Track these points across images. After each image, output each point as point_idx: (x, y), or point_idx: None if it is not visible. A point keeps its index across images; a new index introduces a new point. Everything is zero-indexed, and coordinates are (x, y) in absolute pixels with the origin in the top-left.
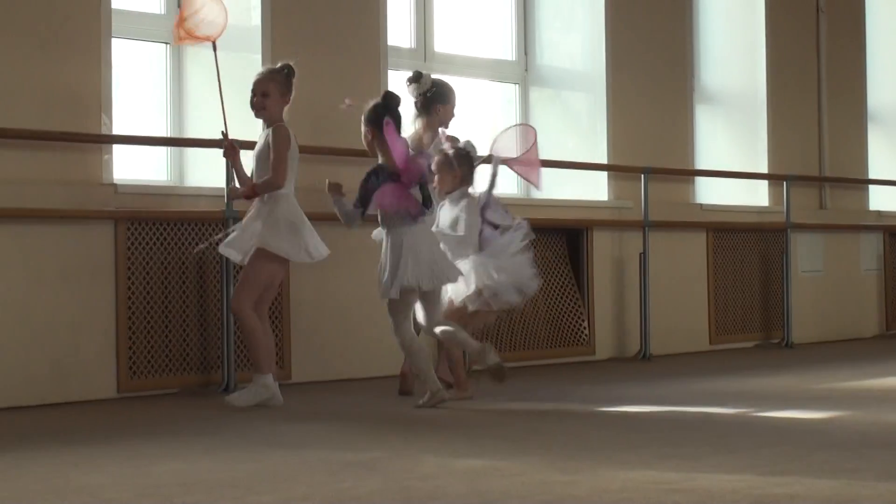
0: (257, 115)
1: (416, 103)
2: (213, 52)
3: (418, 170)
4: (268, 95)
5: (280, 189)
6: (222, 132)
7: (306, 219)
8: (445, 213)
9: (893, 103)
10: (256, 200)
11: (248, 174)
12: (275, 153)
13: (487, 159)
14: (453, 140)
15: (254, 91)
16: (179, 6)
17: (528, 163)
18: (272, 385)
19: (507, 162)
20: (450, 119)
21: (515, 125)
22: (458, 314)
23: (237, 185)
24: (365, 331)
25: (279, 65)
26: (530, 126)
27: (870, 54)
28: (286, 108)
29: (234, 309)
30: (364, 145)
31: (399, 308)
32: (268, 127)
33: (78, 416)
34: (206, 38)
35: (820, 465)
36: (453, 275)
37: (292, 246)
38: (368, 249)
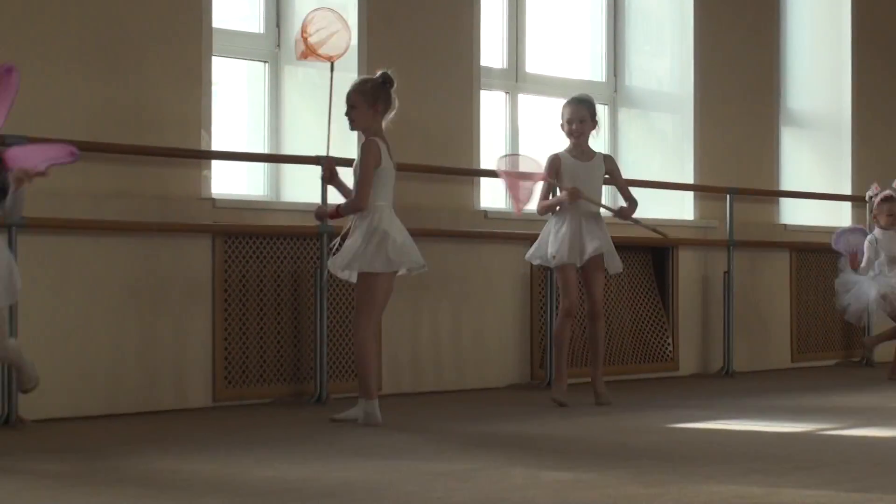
0: (350, 128)
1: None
2: (329, 73)
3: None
4: (354, 107)
5: (362, 210)
6: (323, 157)
7: (401, 230)
8: None
9: None
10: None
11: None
12: (360, 172)
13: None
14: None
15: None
16: (303, 22)
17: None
18: (376, 409)
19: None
20: None
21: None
22: None
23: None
24: (459, 343)
25: (377, 74)
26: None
27: None
28: (385, 120)
29: (354, 333)
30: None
31: None
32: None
33: (174, 424)
34: (328, 58)
35: None
36: None
37: (379, 258)
38: (463, 263)
